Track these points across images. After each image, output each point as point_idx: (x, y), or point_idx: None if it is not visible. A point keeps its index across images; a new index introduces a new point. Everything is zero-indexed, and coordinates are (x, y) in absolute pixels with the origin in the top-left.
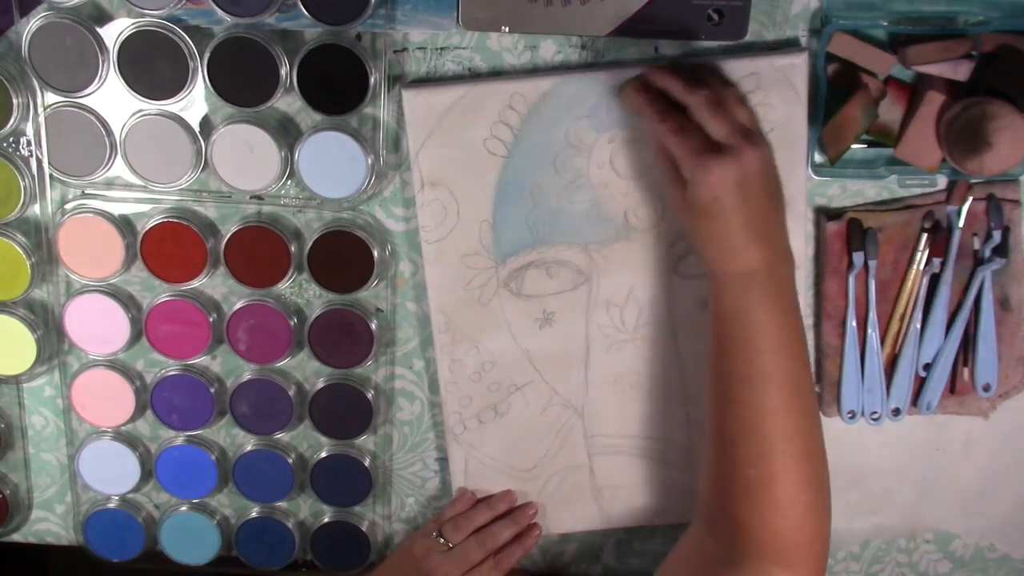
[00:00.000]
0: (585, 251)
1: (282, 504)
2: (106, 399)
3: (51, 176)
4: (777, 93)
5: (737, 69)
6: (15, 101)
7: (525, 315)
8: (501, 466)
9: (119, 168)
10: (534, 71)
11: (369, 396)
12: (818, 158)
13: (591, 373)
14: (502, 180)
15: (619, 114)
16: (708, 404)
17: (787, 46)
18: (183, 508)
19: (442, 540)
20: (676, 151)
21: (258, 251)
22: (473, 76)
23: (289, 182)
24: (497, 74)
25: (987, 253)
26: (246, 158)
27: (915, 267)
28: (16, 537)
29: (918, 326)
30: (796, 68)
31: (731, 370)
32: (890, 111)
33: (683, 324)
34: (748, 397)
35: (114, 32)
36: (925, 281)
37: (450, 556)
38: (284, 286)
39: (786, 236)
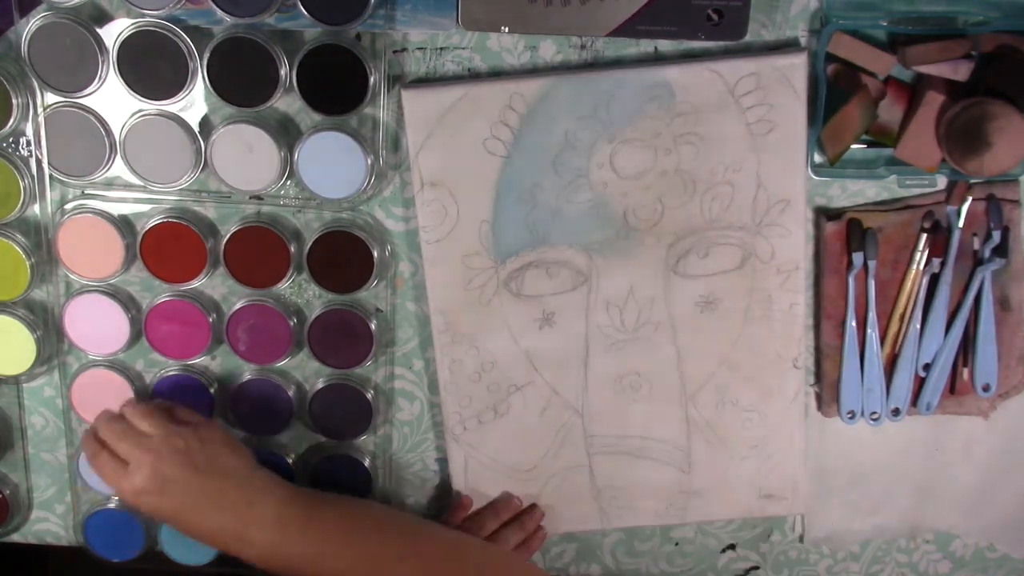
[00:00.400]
0: (585, 251)
1: None
2: (106, 399)
3: (51, 176)
4: (777, 93)
5: (737, 69)
6: (15, 101)
7: (525, 315)
8: (501, 467)
9: (119, 168)
10: (534, 71)
11: (369, 396)
12: (818, 158)
13: (591, 373)
14: (502, 180)
15: (619, 114)
16: None
17: (787, 46)
18: None
19: None
20: (107, 483)
21: (258, 251)
22: (473, 76)
23: (289, 182)
24: (497, 74)
25: (987, 253)
26: (246, 158)
27: (915, 267)
28: (16, 537)
29: (918, 326)
30: (796, 68)
31: None
32: (890, 111)
33: (683, 324)
34: None
35: (114, 32)
36: (925, 281)
37: None
38: (284, 286)
39: (255, 481)
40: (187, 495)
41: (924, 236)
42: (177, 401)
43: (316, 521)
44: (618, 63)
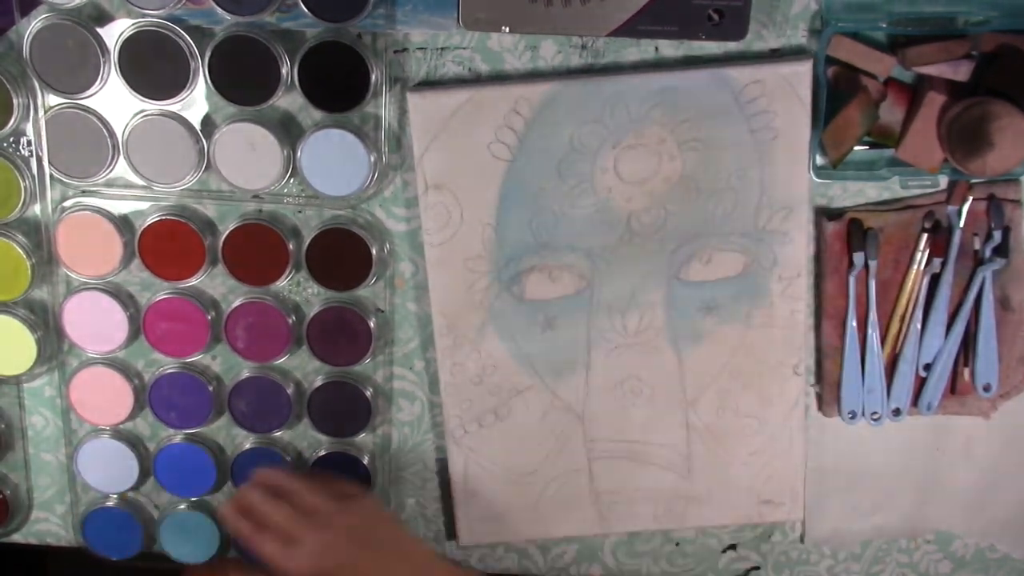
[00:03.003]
0: (587, 256)
1: None
2: (104, 397)
3: (51, 176)
4: (781, 101)
5: (742, 76)
6: (15, 101)
7: (527, 319)
8: (501, 470)
9: (121, 169)
10: (539, 75)
11: (368, 394)
12: (819, 160)
13: (592, 378)
14: (506, 184)
15: (624, 120)
16: None
17: (788, 49)
18: (182, 506)
19: None
20: (270, 563)
21: (256, 249)
22: (478, 80)
23: (292, 180)
24: (502, 78)
25: (988, 253)
26: (248, 157)
27: (916, 267)
28: (16, 537)
29: (918, 326)
30: (800, 76)
31: None
32: (891, 112)
33: (684, 330)
34: None
35: (115, 33)
36: (926, 281)
37: None
38: (282, 284)
39: (415, 556)
40: (357, 573)
41: (925, 236)
42: (176, 399)
43: None
44: (623, 68)
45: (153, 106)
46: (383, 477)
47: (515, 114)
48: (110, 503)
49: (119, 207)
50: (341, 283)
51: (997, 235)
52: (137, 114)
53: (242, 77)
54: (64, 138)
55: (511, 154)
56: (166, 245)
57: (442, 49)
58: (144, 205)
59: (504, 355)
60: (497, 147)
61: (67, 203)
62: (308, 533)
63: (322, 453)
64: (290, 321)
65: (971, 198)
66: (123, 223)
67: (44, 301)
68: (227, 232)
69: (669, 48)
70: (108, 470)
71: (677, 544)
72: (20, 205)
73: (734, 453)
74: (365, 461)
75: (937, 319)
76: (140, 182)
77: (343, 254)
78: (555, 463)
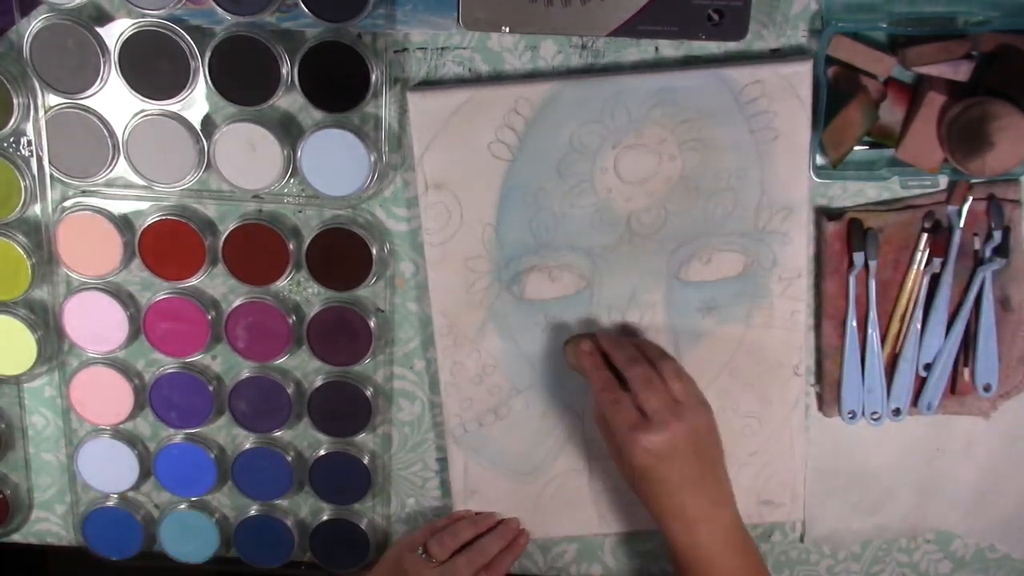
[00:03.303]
0: (588, 256)
1: (281, 502)
2: (105, 397)
3: (51, 176)
4: (781, 101)
5: (742, 76)
6: (16, 101)
7: (527, 319)
8: (500, 469)
9: (121, 169)
10: (539, 75)
11: (368, 394)
12: (820, 160)
13: None
14: (506, 184)
15: (624, 120)
16: None
17: (788, 49)
18: (182, 506)
19: (426, 556)
20: (611, 421)
21: (256, 249)
22: (478, 80)
23: (292, 180)
24: (502, 78)
25: (988, 253)
26: (249, 157)
27: (916, 267)
28: (16, 537)
29: (918, 326)
30: (801, 76)
31: None
32: (891, 112)
33: (684, 329)
34: None
35: (115, 33)
36: (925, 281)
37: (440, 574)
38: (282, 284)
39: (724, 485)
40: (682, 473)
41: (925, 236)
42: (176, 399)
43: (749, 555)
44: (624, 68)
45: (153, 106)
46: (383, 477)
47: (515, 114)
48: (110, 503)
49: (119, 207)
50: (341, 283)
51: (997, 235)
52: (137, 114)
53: (242, 77)
54: (64, 138)
55: (511, 154)
56: (166, 245)
57: (442, 49)
58: (144, 205)
59: (504, 355)
60: (497, 147)
61: (67, 203)
62: (668, 419)
63: (322, 453)
64: (290, 321)
65: (971, 198)
66: (123, 223)
67: (44, 301)
68: (227, 232)
69: (669, 48)
70: (108, 470)
71: None
72: (20, 205)
73: (734, 453)
74: (365, 461)
75: (937, 319)
76: (140, 182)
77: (343, 254)
78: (555, 463)
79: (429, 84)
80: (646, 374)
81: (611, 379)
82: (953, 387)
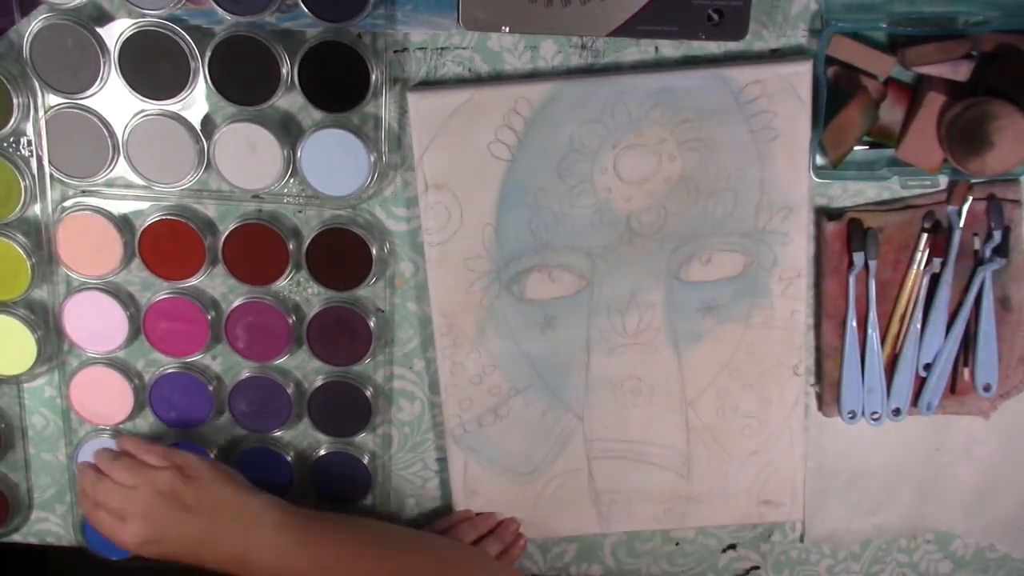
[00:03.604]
0: (587, 256)
1: None
2: (105, 397)
3: (51, 176)
4: (781, 101)
5: (742, 76)
6: (16, 101)
7: (527, 319)
8: (500, 469)
9: (121, 169)
10: (539, 75)
11: (368, 394)
12: (819, 160)
13: (591, 378)
14: (506, 184)
15: (624, 120)
16: None
17: (788, 49)
18: None
19: None
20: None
21: (256, 249)
22: (478, 80)
23: (292, 180)
24: (502, 78)
25: (987, 253)
26: (249, 157)
27: (915, 267)
28: (16, 537)
29: (918, 326)
30: (801, 76)
31: None
32: (891, 112)
33: (684, 330)
34: None
35: (115, 33)
36: (925, 281)
37: None
38: (282, 284)
39: (244, 508)
40: (184, 536)
41: (925, 236)
42: (176, 399)
43: (312, 543)
44: (623, 68)
45: (153, 106)
46: (383, 477)
47: (515, 114)
48: None
49: (119, 207)
50: (341, 283)
51: (997, 235)
52: (137, 114)
53: (242, 77)
54: (64, 138)
55: (511, 154)
56: (166, 245)
57: (442, 49)
58: (144, 205)
59: (504, 355)
60: (497, 147)
61: (67, 203)
62: (129, 505)
63: (322, 453)
64: (290, 321)
65: (971, 198)
66: (123, 223)
67: (44, 301)
68: (227, 232)
69: (669, 48)
70: None
71: (677, 544)
72: (20, 205)
73: (734, 453)
74: (365, 461)
75: (937, 319)
76: (140, 182)
77: (343, 254)
78: (554, 463)
79: (429, 84)
80: (99, 487)
81: (88, 506)
82: (953, 387)
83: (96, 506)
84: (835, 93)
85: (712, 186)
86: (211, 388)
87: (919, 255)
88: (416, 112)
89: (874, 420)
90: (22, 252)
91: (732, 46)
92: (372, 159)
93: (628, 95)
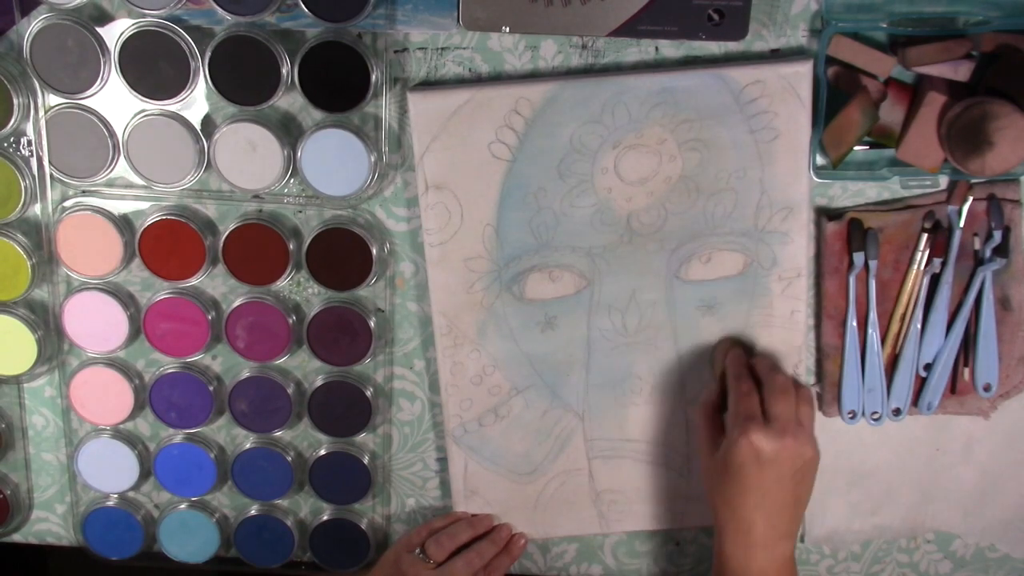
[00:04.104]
0: (588, 255)
1: (281, 502)
2: (105, 397)
3: (51, 176)
4: (781, 101)
5: (742, 77)
6: (16, 101)
7: (527, 319)
8: (501, 469)
9: (121, 169)
10: (539, 75)
11: (368, 394)
12: (820, 160)
13: (592, 377)
14: (506, 184)
15: (624, 120)
16: None
17: (788, 49)
18: (182, 506)
19: (424, 557)
20: (733, 407)
21: (257, 249)
22: (478, 80)
23: (292, 180)
24: (502, 78)
25: (988, 253)
26: (249, 157)
27: (916, 267)
28: (16, 537)
29: (919, 326)
30: (801, 76)
31: None
32: (891, 112)
33: (684, 329)
34: None
35: (115, 33)
36: (926, 281)
37: (438, 575)
38: (283, 284)
39: (796, 523)
40: (769, 490)
41: (925, 236)
42: (176, 399)
43: None
44: (624, 69)
45: (153, 106)
46: (383, 477)
47: (515, 114)
48: (110, 503)
49: (119, 207)
50: (341, 283)
51: (997, 235)
52: (137, 114)
53: (242, 77)
54: (64, 138)
55: (511, 154)
56: (166, 245)
57: (442, 49)
58: (144, 205)
59: (504, 355)
60: (497, 147)
61: (67, 203)
62: (791, 432)
63: (322, 453)
64: (290, 321)
65: (971, 198)
66: (123, 223)
67: (44, 301)
68: (227, 232)
69: (669, 48)
70: (108, 470)
71: (677, 544)
72: (20, 205)
73: None
74: (365, 461)
75: (937, 319)
76: (140, 182)
77: (343, 254)
78: (555, 462)
79: (429, 84)
80: (786, 384)
81: (749, 375)
82: (953, 387)
83: (750, 397)
84: (835, 93)
85: (712, 186)
86: (211, 388)
87: (919, 255)
88: (416, 112)
89: (874, 420)
90: (22, 252)
91: (732, 46)
92: (372, 159)
93: (628, 95)
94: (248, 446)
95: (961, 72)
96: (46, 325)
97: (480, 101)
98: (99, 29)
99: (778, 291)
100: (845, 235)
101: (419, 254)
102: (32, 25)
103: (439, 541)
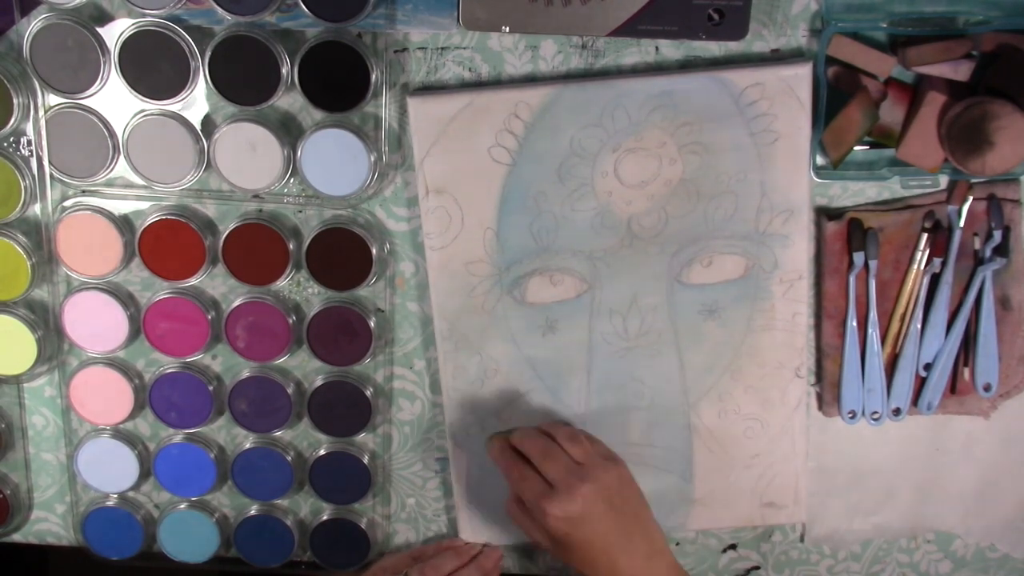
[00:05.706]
0: (588, 259)
1: (281, 502)
2: (105, 397)
3: (51, 176)
4: (781, 103)
5: (741, 79)
6: (16, 101)
7: (528, 322)
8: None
9: (121, 169)
10: (539, 79)
11: (368, 394)
12: (820, 160)
13: (593, 381)
14: (506, 188)
15: (624, 123)
16: None
17: (788, 49)
18: (182, 506)
19: None
20: (521, 496)
21: (256, 248)
22: (478, 83)
23: (292, 180)
24: (502, 82)
25: (988, 253)
26: (249, 156)
27: (916, 267)
28: (16, 537)
29: (919, 326)
30: (800, 78)
31: None
32: (891, 112)
33: (685, 332)
34: None
35: (115, 32)
36: (926, 281)
37: None
38: (282, 283)
39: (654, 536)
40: (602, 532)
41: (925, 236)
42: (176, 399)
43: None
44: (624, 71)
45: (153, 106)
46: (383, 477)
47: (515, 118)
48: (110, 503)
49: (119, 207)
50: (341, 283)
51: (997, 235)
52: (137, 114)
53: (242, 77)
54: (64, 138)
55: (511, 158)
56: (166, 244)
57: (442, 49)
58: (144, 205)
59: (506, 358)
60: (497, 151)
61: (67, 203)
62: (572, 482)
63: (322, 453)
64: (290, 321)
65: (971, 198)
66: (123, 223)
67: (44, 301)
68: (227, 232)
69: (669, 48)
70: (108, 470)
71: (677, 544)
72: (20, 205)
73: (736, 456)
74: (365, 461)
75: (937, 319)
76: (140, 182)
77: (343, 254)
78: None
79: (429, 88)
80: (542, 445)
81: (518, 460)
82: (953, 387)
83: (524, 461)
84: (835, 93)
85: (713, 189)
86: (211, 388)
87: (919, 255)
88: (416, 117)
89: (874, 420)
90: (22, 252)
91: (732, 46)
92: (372, 159)
93: (628, 99)
94: (248, 446)
95: (961, 72)
96: (46, 325)
97: (480, 105)
98: (99, 29)
99: (779, 294)
100: (845, 235)
101: (419, 254)
102: (32, 25)
103: (423, 572)
